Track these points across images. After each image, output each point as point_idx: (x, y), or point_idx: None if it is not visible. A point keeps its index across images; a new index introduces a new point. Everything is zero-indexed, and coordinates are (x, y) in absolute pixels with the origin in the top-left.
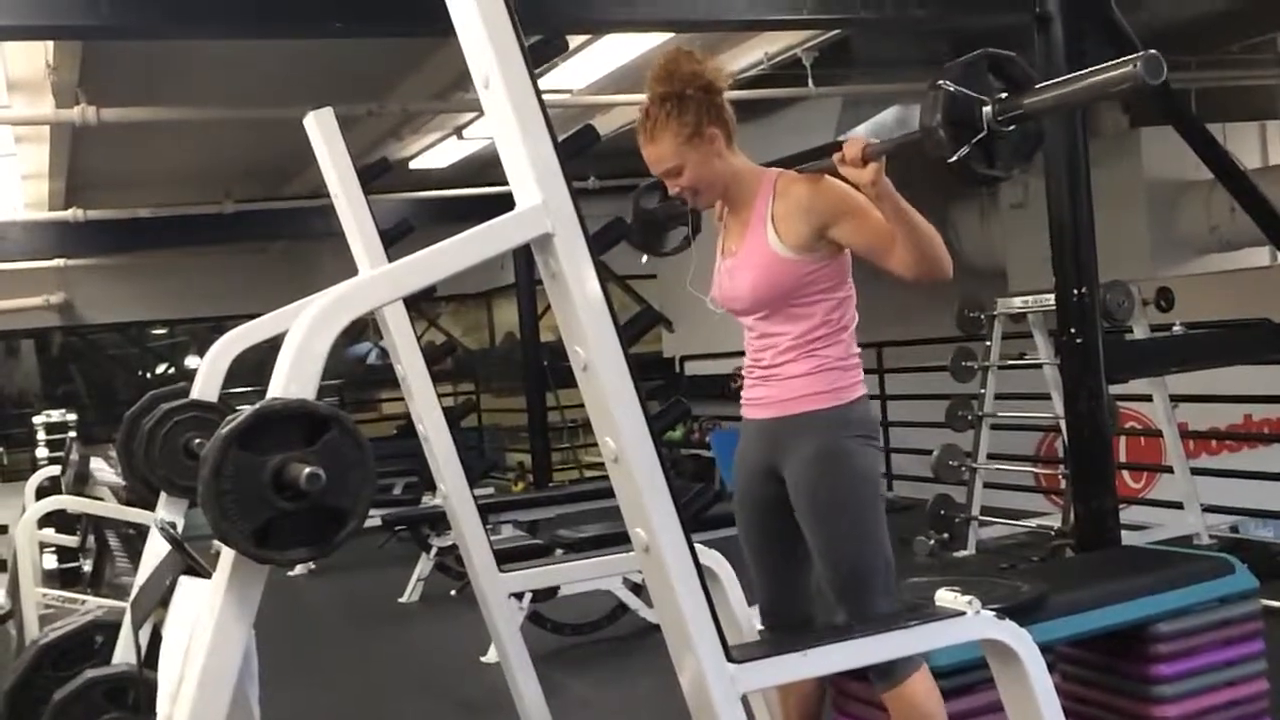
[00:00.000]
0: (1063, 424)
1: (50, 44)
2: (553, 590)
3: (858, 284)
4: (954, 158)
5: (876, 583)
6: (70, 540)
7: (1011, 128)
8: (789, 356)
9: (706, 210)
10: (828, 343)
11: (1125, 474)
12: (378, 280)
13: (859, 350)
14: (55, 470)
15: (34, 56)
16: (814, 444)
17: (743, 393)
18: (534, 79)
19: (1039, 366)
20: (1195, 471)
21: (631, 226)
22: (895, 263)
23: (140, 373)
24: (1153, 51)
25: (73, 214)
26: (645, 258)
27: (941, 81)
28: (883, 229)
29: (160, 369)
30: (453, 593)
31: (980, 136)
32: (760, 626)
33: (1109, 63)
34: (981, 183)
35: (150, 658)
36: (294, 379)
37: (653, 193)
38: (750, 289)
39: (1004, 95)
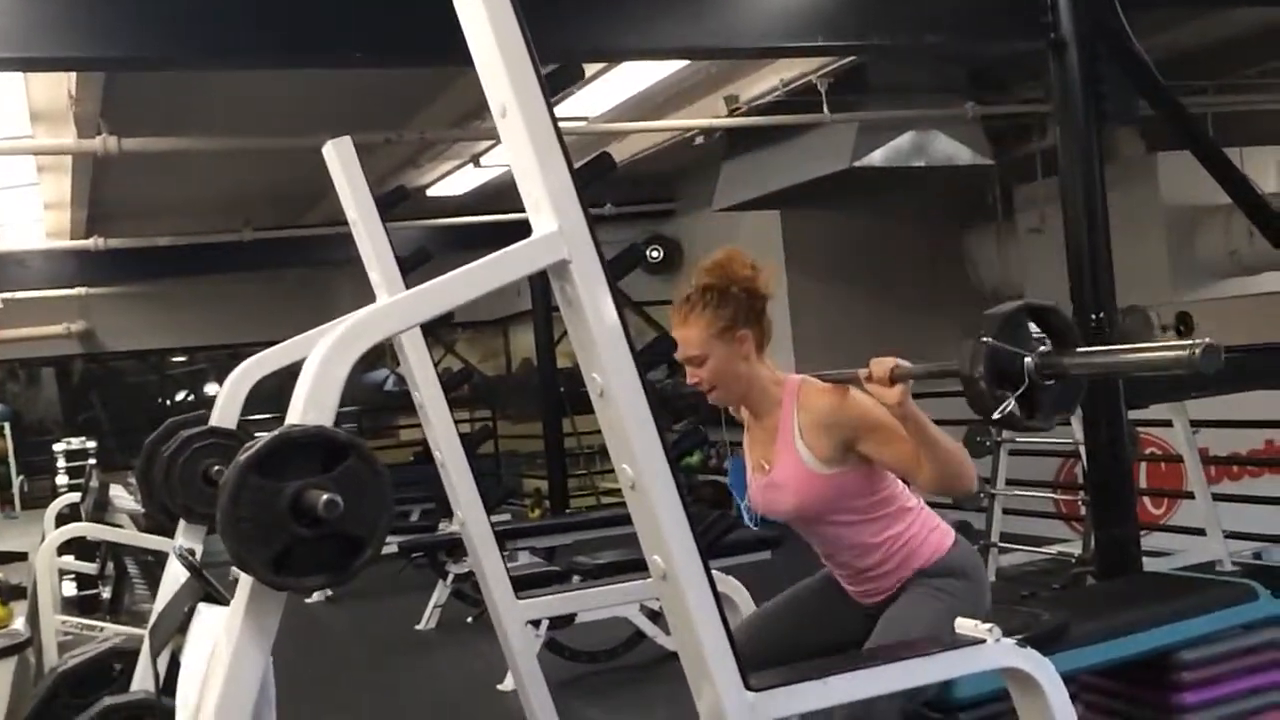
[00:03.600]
0: (1082, 450)
1: (73, 75)
2: (570, 617)
3: (873, 301)
4: (997, 415)
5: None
6: (89, 567)
7: (1051, 381)
8: (871, 561)
9: (722, 406)
10: (892, 525)
11: (1146, 500)
12: (395, 307)
13: (917, 502)
14: (75, 497)
15: (57, 87)
16: (908, 594)
17: (836, 575)
18: (550, 107)
19: None
20: (1217, 497)
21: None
22: (919, 479)
23: (160, 400)
24: (1211, 341)
25: (93, 243)
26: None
27: (984, 336)
28: (907, 447)
29: (179, 396)
30: (469, 620)
31: (1022, 389)
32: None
33: (1166, 343)
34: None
35: (168, 685)
36: (312, 406)
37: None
38: (794, 508)
39: (1044, 350)
